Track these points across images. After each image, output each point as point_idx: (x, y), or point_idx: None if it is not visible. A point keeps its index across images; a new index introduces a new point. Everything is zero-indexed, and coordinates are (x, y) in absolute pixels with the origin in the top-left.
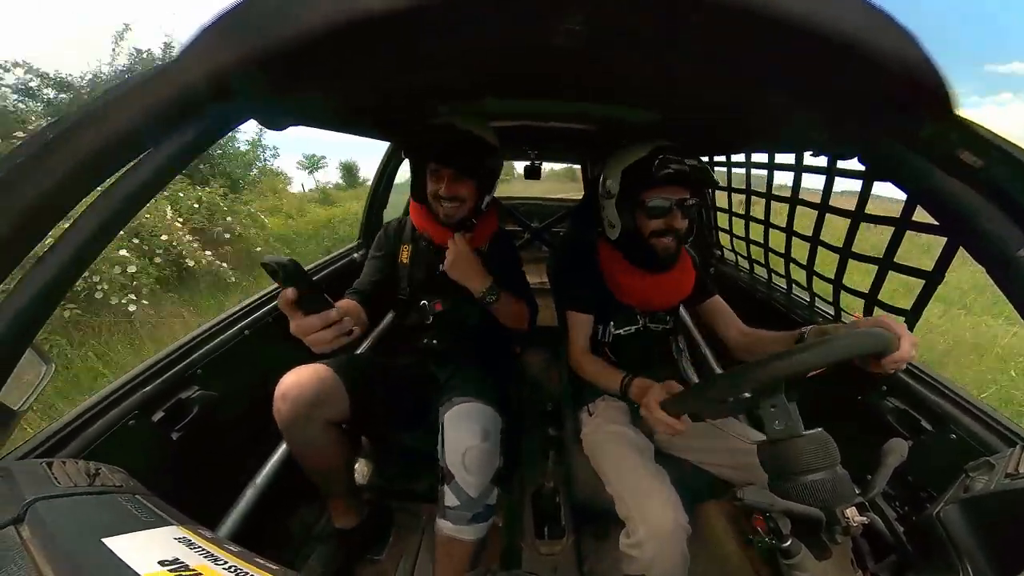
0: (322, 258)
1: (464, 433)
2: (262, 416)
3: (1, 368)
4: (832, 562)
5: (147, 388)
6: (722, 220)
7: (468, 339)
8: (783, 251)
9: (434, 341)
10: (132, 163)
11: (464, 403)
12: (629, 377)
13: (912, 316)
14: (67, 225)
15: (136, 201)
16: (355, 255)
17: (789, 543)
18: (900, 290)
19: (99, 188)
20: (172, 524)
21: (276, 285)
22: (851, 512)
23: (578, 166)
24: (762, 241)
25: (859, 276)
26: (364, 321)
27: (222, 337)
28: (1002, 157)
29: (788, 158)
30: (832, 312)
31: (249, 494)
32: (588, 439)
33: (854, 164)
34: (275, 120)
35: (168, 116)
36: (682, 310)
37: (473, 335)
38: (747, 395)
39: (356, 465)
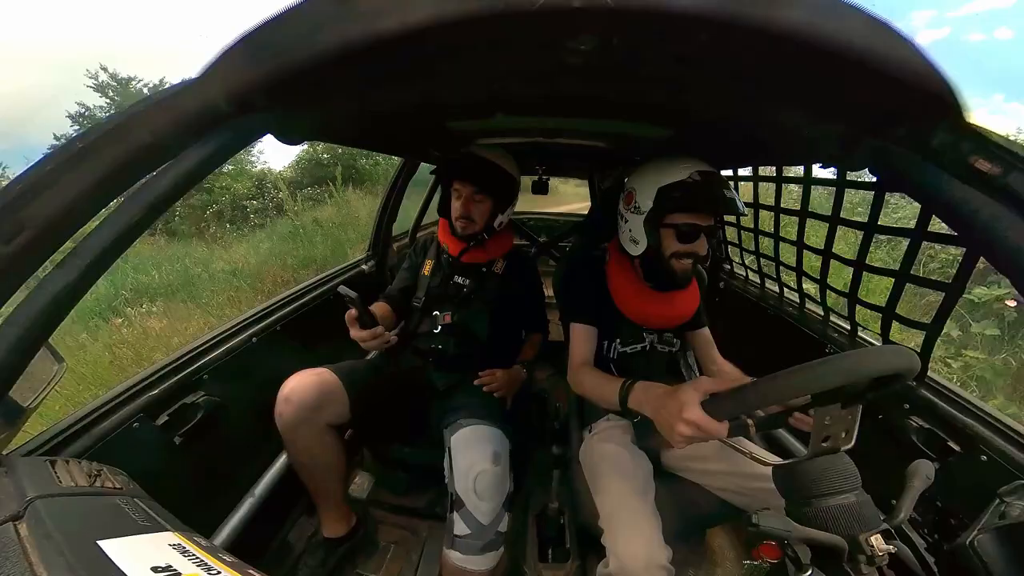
0: (332, 268)
1: (474, 457)
2: (264, 424)
3: (16, 365)
4: None
5: (153, 391)
6: (731, 234)
7: (475, 351)
8: (794, 265)
9: (440, 346)
10: (153, 173)
11: (472, 425)
12: (630, 382)
13: (934, 330)
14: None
15: (154, 210)
16: (363, 266)
17: (809, 573)
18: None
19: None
20: (168, 530)
21: (285, 294)
22: (876, 540)
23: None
24: (772, 255)
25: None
26: (394, 320)
27: (230, 344)
28: (1019, 163)
29: (797, 170)
30: (848, 327)
31: (247, 504)
32: (584, 460)
33: (865, 175)
34: (291, 135)
35: (189, 129)
36: None
37: (480, 348)
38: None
39: (356, 478)
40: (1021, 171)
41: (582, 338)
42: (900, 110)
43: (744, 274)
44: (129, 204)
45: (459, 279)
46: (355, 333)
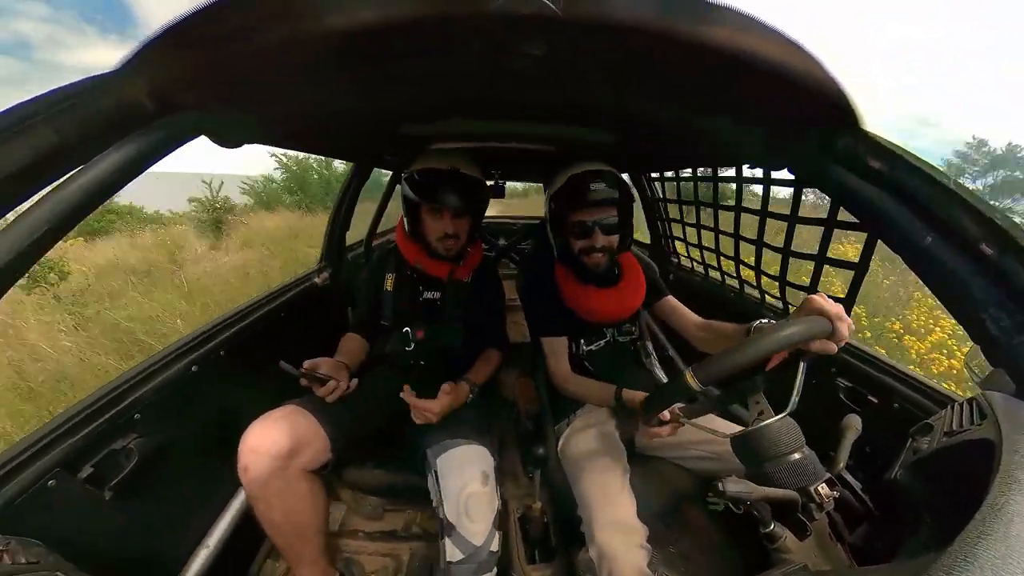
0: (284, 281)
1: (464, 479)
2: (216, 462)
3: None
4: (812, 539)
5: (72, 439)
6: (676, 230)
7: (451, 365)
8: (733, 255)
9: (421, 362)
10: (58, 182)
11: (458, 446)
12: (619, 389)
13: (847, 303)
14: None
15: (61, 225)
16: (316, 279)
17: (772, 527)
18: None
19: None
20: None
21: (228, 314)
22: (823, 489)
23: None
24: (713, 247)
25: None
26: (366, 350)
27: (165, 375)
28: (902, 164)
29: (730, 171)
30: (780, 306)
31: (202, 556)
32: (564, 453)
33: (786, 174)
34: (229, 137)
35: (104, 129)
36: (647, 316)
37: (455, 360)
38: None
39: (342, 516)
40: (902, 168)
41: (557, 351)
42: (811, 118)
43: (690, 266)
44: (29, 217)
45: (429, 294)
46: (315, 392)
